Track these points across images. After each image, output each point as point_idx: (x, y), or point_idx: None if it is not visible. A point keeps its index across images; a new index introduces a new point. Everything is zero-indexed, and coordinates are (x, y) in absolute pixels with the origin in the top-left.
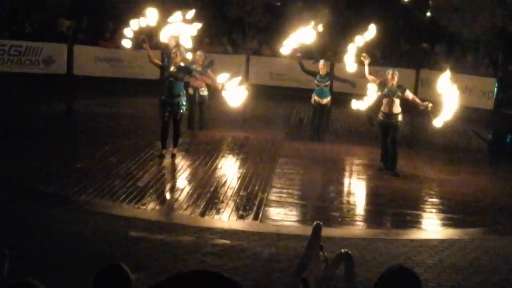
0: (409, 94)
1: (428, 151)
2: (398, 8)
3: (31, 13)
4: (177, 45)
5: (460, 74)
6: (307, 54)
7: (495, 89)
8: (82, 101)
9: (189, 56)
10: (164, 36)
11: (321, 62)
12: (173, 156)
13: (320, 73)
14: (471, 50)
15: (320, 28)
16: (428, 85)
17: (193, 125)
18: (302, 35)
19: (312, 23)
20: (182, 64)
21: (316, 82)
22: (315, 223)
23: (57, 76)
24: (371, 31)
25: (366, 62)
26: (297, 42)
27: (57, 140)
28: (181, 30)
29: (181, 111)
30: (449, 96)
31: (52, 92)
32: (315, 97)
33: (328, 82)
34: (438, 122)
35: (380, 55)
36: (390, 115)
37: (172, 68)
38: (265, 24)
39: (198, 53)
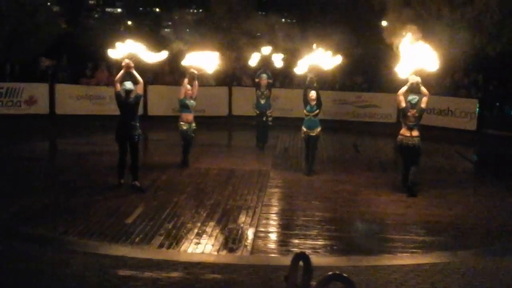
0: None
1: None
2: (374, 33)
3: (11, 54)
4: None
5: (441, 96)
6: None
7: (477, 109)
8: (65, 140)
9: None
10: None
11: (312, 92)
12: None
13: (311, 103)
14: (450, 72)
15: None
16: None
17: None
18: (317, 57)
19: (314, 45)
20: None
21: (305, 112)
22: (298, 252)
23: (39, 116)
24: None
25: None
26: (312, 62)
27: (41, 180)
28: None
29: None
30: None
31: (34, 132)
32: (304, 129)
33: (317, 111)
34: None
35: (362, 80)
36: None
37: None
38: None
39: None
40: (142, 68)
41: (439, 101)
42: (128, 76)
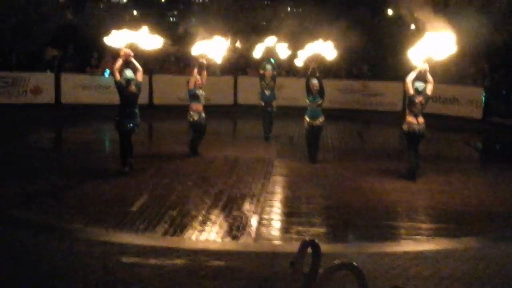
0: None
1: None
2: (382, 21)
3: (17, 44)
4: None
5: (447, 84)
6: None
7: (483, 98)
8: (71, 129)
9: None
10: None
11: (315, 82)
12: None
13: (313, 92)
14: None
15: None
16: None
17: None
18: (319, 47)
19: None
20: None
21: (308, 102)
22: (307, 239)
23: (45, 105)
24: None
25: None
26: (313, 52)
27: (47, 169)
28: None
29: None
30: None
31: (40, 121)
32: (307, 119)
33: (321, 101)
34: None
35: (368, 67)
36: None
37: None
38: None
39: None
40: (141, 56)
41: (445, 89)
42: (128, 64)
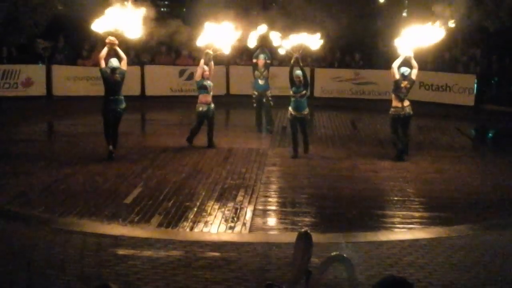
0: None
1: (412, 149)
2: (374, 8)
3: (7, 36)
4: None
5: (439, 72)
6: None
7: (475, 85)
8: (63, 122)
9: None
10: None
11: (298, 72)
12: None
13: (297, 84)
14: (449, 47)
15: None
16: None
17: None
18: (305, 38)
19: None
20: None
21: (291, 93)
22: (301, 231)
23: (36, 97)
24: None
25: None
26: (298, 42)
27: (39, 162)
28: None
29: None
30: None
31: (32, 114)
32: (291, 111)
33: (304, 92)
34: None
35: (360, 56)
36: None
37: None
38: None
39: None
40: (126, 45)
41: (437, 76)
42: (113, 53)
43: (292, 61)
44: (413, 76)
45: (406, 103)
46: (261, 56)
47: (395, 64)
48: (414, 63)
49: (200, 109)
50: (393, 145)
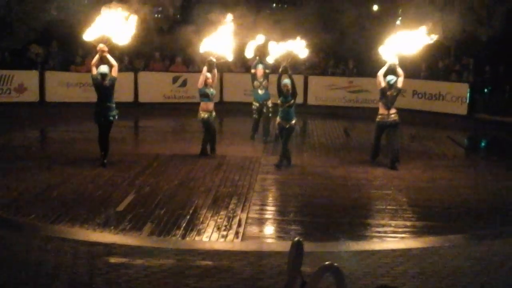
0: None
1: (405, 158)
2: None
3: (0, 42)
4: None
5: (432, 80)
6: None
7: (468, 94)
8: (56, 128)
9: None
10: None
11: (286, 81)
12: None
13: (284, 93)
14: (442, 56)
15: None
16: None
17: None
18: (293, 46)
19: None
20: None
21: (279, 102)
22: (295, 240)
23: (29, 103)
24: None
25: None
26: (287, 50)
27: (31, 168)
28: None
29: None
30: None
31: (25, 120)
32: (278, 120)
33: (292, 101)
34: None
35: (354, 64)
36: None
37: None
38: None
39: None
40: (119, 52)
41: (430, 85)
42: (103, 60)
43: (280, 70)
44: (399, 84)
45: (392, 110)
46: (260, 66)
47: (380, 72)
48: (400, 71)
49: (203, 116)
50: (371, 151)
